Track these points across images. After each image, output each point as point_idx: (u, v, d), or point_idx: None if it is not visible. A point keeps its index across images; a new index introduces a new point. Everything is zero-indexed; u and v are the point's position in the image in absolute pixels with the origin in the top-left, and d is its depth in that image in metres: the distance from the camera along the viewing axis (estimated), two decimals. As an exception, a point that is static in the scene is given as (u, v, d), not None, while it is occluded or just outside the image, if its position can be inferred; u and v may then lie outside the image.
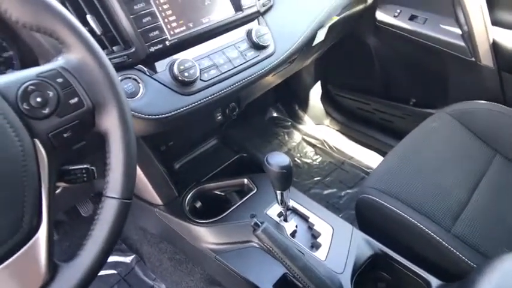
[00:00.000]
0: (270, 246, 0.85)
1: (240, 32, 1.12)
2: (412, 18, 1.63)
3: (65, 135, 0.59)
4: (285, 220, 1.13)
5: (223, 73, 1.02)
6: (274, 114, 2.34)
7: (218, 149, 1.55)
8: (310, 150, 2.20)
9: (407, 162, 1.21)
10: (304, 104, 2.30)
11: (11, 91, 0.55)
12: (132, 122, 0.63)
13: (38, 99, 0.56)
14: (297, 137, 2.27)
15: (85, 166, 0.66)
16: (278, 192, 1.04)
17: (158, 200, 1.24)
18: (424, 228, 1.02)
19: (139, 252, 1.58)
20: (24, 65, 0.95)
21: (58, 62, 0.60)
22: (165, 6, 0.98)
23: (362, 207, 1.15)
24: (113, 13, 0.90)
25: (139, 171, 1.13)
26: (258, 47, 1.11)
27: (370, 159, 2.07)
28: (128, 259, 1.64)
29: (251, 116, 2.12)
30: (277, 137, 2.25)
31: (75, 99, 0.59)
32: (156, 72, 0.95)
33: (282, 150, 2.17)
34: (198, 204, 1.30)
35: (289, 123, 2.32)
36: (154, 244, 1.51)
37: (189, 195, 1.28)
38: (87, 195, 1.47)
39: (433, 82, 1.73)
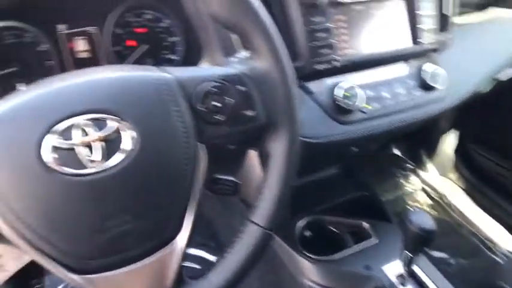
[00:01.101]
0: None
1: (410, 67, 1.01)
2: None
3: (230, 146, 0.57)
4: (403, 284, 1.00)
5: (386, 108, 0.92)
6: (396, 152, 2.17)
7: (338, 179, 1.45)
8: (425, 202, 1.99)
9: None
10: (431, 150, 2.10)
11: (190, 87, 0.52)
12: (298, 151, 0.57)
13: (215, 103, 0.53)
14: (414, 183, 2.08)
15: (232, 179, 0.62)
16: (407, 253, 0.91)
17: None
18: None
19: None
20: (187, 53, 0.95)
21: (241, 67, 0.56)
22: (341, 24, 0.90)
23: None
24: (290, 21, 0.84)
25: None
26: (427, 87, 0.99)
27: (493, 231, 1.82)
28: (214, 258, 1.60)
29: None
30: (394, 177, 2.08)
31: (251, 112, 0.55)
32: (313, 91, 0.88)
33: (395, 193, 2.00)
34: (308, 233, 1.21)
35: (410, 166, 2.13)
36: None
37: (302, 222, 1.19)
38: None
39: None
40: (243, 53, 0.71)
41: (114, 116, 0.47)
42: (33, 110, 0.46)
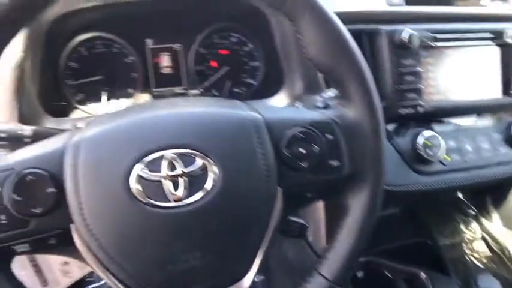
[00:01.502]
0: None
1: (497, 120, 0.95)
2: None
3: (308, 194, 0.54)
4: None
5: (467, 162, 0.87)
6: (460, 195, 2.06)
7: (396, 219, 1.38)
8: (484, 253, 1.87)
9: None
10: (498, 198, 1.97)
11: (279, 131, 0.51)
12: (379, 207, 0.54)
13: (301, 150, 0.51)
14: (475, 230, 1.96)
15: (301, 221, 0.62)
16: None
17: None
18: None
19: None
20: (266, 79, 0.94)
21: (331, 113, 0.54)
22: (430, 68, 0.86)
23: None
24: (379, 62, 0.82)
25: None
26: (514, 144, 0.92)
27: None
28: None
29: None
30: (454, 221, 1.97)
31: (335, 162, 0.52)
32: (392, 135, 0.84)
33: (453, 239, 1.89)
34: (360, 274, 1.16)
35: (473, 212, 2.01)
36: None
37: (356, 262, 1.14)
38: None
39: None
40: (329, 93, 0.69)
41: (203, 153, 0.47)
42: (127, 138, 0.47)
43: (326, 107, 0.68)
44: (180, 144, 0.47)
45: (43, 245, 0.47)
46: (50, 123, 0.79)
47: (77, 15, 0.77)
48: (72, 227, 0.46)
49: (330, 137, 0.52)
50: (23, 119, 0.73)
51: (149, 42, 0.90)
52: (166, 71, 0.91)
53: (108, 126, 0.48)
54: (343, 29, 0.51)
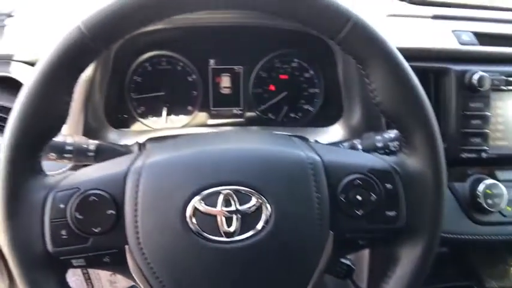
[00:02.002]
0: None
1: None
2: None
3: (360, 241, 0.53)
4: None
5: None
6: None
7: (444, 258, 1.32)
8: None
9: None
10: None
11: (337, 177, 0.50)
12: (432, 261, 0.53)
13: (358, 197, 0.50)
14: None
15: (348, 263, 0.60)
16: None
17: (363, 285, 1.10)
18: None
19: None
20: (324, 106, 0.94)
21: (392, 160, 0.53)
22: (499, 112, 0.82)
23: None
24: (446, 103, 0.79)
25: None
26: None
27: None
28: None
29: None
30: (504, 263, 1.85)
31: (391, 213, 0.51)
32: (451, 180, 0.80)
33: (502, 282, 1.78)
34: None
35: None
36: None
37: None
38: None
39: None
40: (391, 134, 0.67)
41: (258, 193, 0.47)
42: (188, 170, 0.48)
43: (386, 148, 0.66)
44: (237, 182, 0.47)
45: (98, 261, 0.49)
46: (113, 134, 0.82)
47: (147, 35, 0.79)
48: (126, 248, 0.47)
49: (389, 186, 0.51)
50: (88, 130, 0.77)
51: (212, 63, 0.91)
52: (226, 91, 0.93)
53: (170, 155, 0.50)
54: (415, 78, 0.50)
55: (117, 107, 0.89)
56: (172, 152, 0.51)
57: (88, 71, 0.72)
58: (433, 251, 0.52)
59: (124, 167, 0.49)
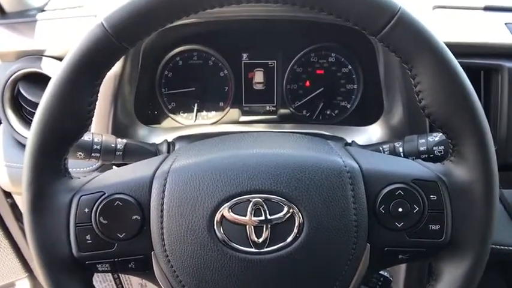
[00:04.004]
0: None
1: None
2: None
3: (400, 256, 0.49)
4: None
5: None
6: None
7: (489, 274, 1.25)
8: None
9: None
10: None
11: (376, 187, 0.47)
12: (478, 279, 0.48)
13: (399, 209, 0.47)
14: None
15: (385, 274, 0.59)
16: None
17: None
18: None
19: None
20: (362, 104, 0.89)
21: (438, 170, 0.48)
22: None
23: None
24: (499, 105, 0.74)
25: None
26: None
27: None
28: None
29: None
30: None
31: (435, 226, 0.47)
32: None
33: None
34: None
35: None
36: None
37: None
38: None
39: None
40: (435, 138, 0.62)
41: (291, 202, 0.44)
42: (216, 176, 0.46)
43: (430, 153, 0.61)
44: (268, 190, 0.45)
45: (123, 267, 0.48)
46: (143, 131, 0.81)
47: (177, 29, 0.77)
48: (152, 254, 0.46)
49: (433, 197, 0.47)
50: (118, 126, 0.75)
51: (244, 57, 0.88)
52: (259, 87, 0.90)
53: (198, 159, 0.48)
54: (466, 78, 0.45)
55: (148, 103, 0.88)
56: (200, 155, 0.49)
57: (116, 66, 0.71)
58: (481, 269, 0.48)
59: (150, 171, 0.48)
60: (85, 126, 0.47)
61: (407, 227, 0.47)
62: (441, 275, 0.49)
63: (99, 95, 0.47)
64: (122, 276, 0.69)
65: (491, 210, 0.47)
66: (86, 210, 0.46)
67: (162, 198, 0.46)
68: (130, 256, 0.47)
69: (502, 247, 0.73)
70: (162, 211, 0.45)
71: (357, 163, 0.48)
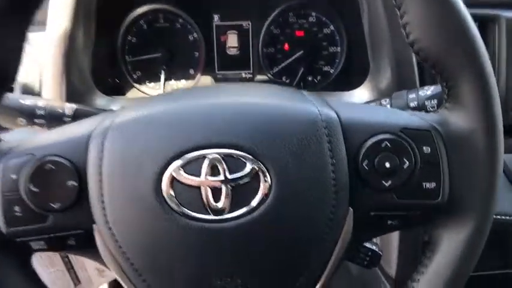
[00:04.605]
0: None
1: None
2: None
3: (389, 221, 0.42)
4: None
5: None
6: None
7: (486, 246, 1.20)
8: None
9: None
10: None
11: (359, 139, 0.41)
12: (482, 248, 0.42)
13: (386, 164, 0.40)
14: None
15: (374, 248, 0.50)
16: None
17: (391, 271, 1.00)
18: None
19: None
20: (345, 68, 0.83)
21: (431, 117, 0.42)
22: None
23: None
24: (493, 53, 0.69)
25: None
26: None
27: None
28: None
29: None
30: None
31: (432, 185, 0.41)
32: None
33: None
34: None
35: None
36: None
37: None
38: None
39: None
40: (427, 91, 0.56)
41: (256, 158, 0.38)
42: (164, 130, 0.39)
43: (422, 109, 0.55)
44: (228, 144, 0.38)
45: (61, 244, 0.42)
46: (102, 101, 0.73)
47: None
48: (94, 228, 0.40)
49: (427, 150, 0.40)
50: (74, 96, 0.69)
51: (216, 18, 0.82)
52: (233, 51, 0.83)
53: (144, 113, 0.41)
54: (462, 7, 0.38)
55: (109, 71, 0.81)
56: (147, 108, 0.41)
57: (65, 23, 0.63)
58: (485, 235, 0.42)
59: (88, 129, 0.41)
60: (10, 77, 0.41)
61: (396, 186, 0.40)
62: (439, 243, 0.43)
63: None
64: (73, 259, 0.63)
65: (496, 163, 0.40)
66: (13, 176, 0.39)
67: (101, 159, 0.39)
68: (69, 231, 0.41)
69: (501, 217, 0.67)
70: (101, 174, 0.39)
71: (335, 112, 0.41)
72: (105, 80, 0.79)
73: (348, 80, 0.81)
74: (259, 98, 0.42)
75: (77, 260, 0.63)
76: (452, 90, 0.40)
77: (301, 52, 0.82)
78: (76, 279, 0.65)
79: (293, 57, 0.82)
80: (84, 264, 0.64)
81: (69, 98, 0.67)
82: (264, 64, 0.83)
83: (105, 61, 0.80)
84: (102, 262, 0.42)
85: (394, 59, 0.68)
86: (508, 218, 0.69)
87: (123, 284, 0.42)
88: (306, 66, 0.83)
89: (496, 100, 0.40)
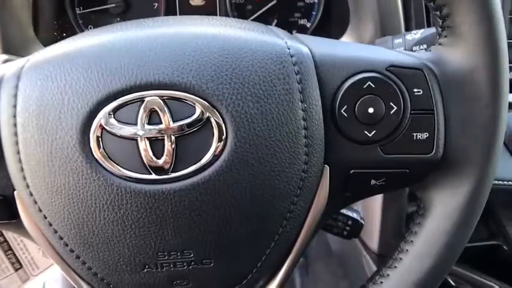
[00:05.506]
0: None
1: None
2: None
3: (372, 181, 0.36)
4: None
5: None
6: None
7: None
8: None
9: None
10: None
11: (335, 75, 0.34)
12: (481, 210, 0.37)
13: (369, 110, 0.34)
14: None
15: (354, 216, 0.46)
16: None
17: (373, 245, 0.96)
18: None
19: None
20: (322, 21, 0.77)
21: (423, 55, 0.36)
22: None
23: None
24: None
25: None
26: None
27: None
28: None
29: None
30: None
31: (423, 135, 0.35)
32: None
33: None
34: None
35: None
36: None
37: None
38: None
39: None
40: (414, 35, 0.50)
41: (207, 101, 0.31)
42: (90, 69, 0.31)
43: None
44: (170, 83, 0.31)
45: None
46: None
47: None
48: (16, 194, 0.34)
49: (418, 92, 0.34)
50: (11, 49, 0.60)
51: (178, -37, 0.74)
52: (197, 2, 0.75)
53: (66, 50, 0.33)
54: None
55: (56, 24, 0.72)
56: (70, 45, 0.34)
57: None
58: (484, 196, 0.36)
59: None
60: None
61: (381, 137, 0.34)
62: (431, 207, 0.38)
63: None
64: (11, 239, 0.55)
65: (500, 107, 0.34)
66: None
67: (14, 107, 0.32)
68: None
69: (500, 182, 0.62)
70: (15, 125, 0.32)
71: (307, 47, 0.34)
72: (50, 34, 0.71)
73: (327, 33, 0.75)
74: (212, 28, 0.34)
75: (15, 240, 0.55)
76: (449, 20, 0.34)
77: (274, 2, 0.75)
78: (17, 263, 0.57)
79: (264, 8, 0.75)
80: (25, 244, 0.56)
81: (6, 51, 0.59)
82: (232, 16, 0.76)
83: (51, 13, 0.72)
84: (29, 237, 0.36)
85: (377, 6, 0.61)
86: (497, 182, 0.64)
87: (53, 262, 0.36)
88: (279, 18, 0.77)
89: (502, 32, 0.33)
